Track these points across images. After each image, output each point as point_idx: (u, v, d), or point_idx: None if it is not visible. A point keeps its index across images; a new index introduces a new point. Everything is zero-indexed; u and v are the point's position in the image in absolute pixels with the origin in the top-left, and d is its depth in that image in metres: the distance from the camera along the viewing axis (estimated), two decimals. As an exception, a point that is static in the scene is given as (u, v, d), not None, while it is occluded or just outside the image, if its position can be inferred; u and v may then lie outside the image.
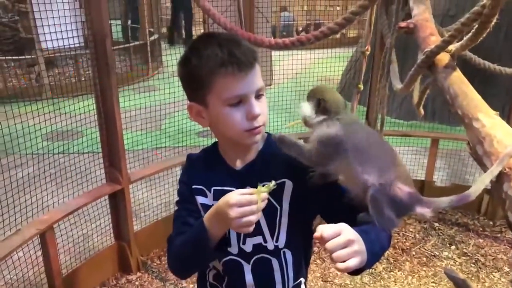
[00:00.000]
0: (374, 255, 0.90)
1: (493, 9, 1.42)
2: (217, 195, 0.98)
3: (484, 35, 1.61)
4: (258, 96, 1.03)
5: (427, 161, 3.41)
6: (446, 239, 3.08)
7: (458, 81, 1.55)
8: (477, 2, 2.39)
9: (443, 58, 1.71)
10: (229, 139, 1.07)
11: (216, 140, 1.16)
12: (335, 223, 1.00)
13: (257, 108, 1.01)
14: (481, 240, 3.08)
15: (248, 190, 0.94)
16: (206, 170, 1.15)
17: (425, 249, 2.96)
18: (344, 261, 0.82)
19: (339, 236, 0.83)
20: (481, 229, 3.21)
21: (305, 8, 12.37)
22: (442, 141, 3.51)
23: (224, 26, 1.80)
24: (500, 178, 1.18)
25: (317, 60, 4.10)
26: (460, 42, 1.71)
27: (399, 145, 3.76)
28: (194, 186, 1.12)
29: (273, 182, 0.97)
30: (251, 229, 0.94)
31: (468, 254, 2.92)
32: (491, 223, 3.27)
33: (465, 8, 5.37)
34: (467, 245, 3.03)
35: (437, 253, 2.92)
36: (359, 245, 0.84)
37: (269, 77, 3.58)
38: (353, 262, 0.82)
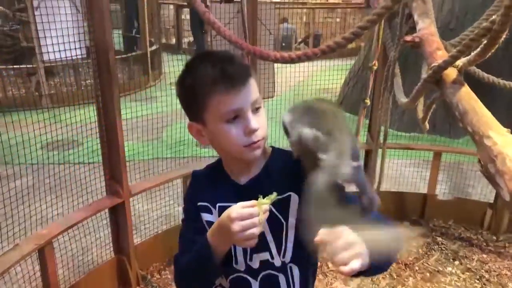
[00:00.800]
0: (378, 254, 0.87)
1: (503, 25, 1.40)
2: (222, 212, 0.97)
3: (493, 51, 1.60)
4: (255, 110, 1.03)
5: (430, 174, 3.38)
6: (449, 254, 3.04)
7: (467, 97, 1.53)
8: (477, 15, 2.39)
9: (451, 73, 1.69)
10: (230, 155, 1.07)
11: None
12: None
13: (254, 122, 1.01)
14: (484, 255, 3.05)
15: (249, 202, 0.94)
16: (211, 187, 1.14)
17: (429, 264, 2.93)
18: (346, 264, 0.80)
19: (339, 239, 0.81)
20: (484, 244, 3.17)
21: (304, 19, 12.44)
22: (444, 154, 3.49)
23: (229, 39, 1.77)
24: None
25: (316, 72, 4.10)
26: (467, 57, 1.70)
27: (400, 158, 3.74)
28: (199, 204, 1.12)
29: (275, 194, 0.96)
30: (254, 242, 0.93)
31: (472, 269, 2.88)
32: (494, 237, 3.23)
33: (465, 21, 5.39)
34: (470, 260, 2.99)
35: (441, 269, 2.88)
36: (360, 246, 0.82)
37: (271, 89, 3.57)
38: (355, 264, 0.80)
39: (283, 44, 11.00)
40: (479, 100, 1.56)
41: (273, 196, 0.96)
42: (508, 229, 3.25)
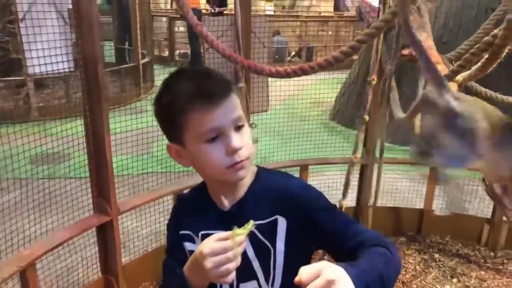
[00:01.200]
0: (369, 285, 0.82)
1: (505, 39, 1.36)
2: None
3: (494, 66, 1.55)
4: (238, 128, 0.96)
5: (426, 189, 3.32)
6: (447, 271, 2.97)
7: (469, 114, 1.48)
8: (471, 29, 2.35)
9: (451, 88, 1.64)
10: (213, 177, 1.01)
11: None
12: (338, 255, 0.98)
13: (236, 141, 0.94)
14: (483, 272, 2.98)
15: (223, 234, 0.86)
16: (194, 213, 1.07)
17: (426, 282, 2.85)
18: None
19: (318, 278, 0.75)
20: (482, 260, 3.11)
21: (297, 32, 12.49)
22: (440, 168, 3.43)
23: (222, 53, 1.72)
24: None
25: (310, 84, 4.05)
26: (468, 72, 1.65)
27: (395, 172, 3.68)
28: (181, 232, 1.06)
29: (251, 223, 0.89)
30: (230, 279, 0.86)
31: (471, 287, 2.82)
32: (492, 254, 3.17)
33: (459, 35, 5.41)
34: (469, 277, 2.92)
35: (439, 287, 2.81)
36: (343, 284, 0.76)
37: (265, 103, 3.52)
38: None
39: (276, 57, 11.00)
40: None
41: (250, 225, 0.89)
42: (506, 245, 3.20)
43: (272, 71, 1.60)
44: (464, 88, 1.76)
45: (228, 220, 0.98)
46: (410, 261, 3.07)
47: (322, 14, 14.01)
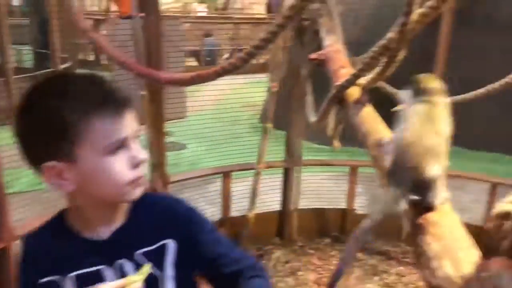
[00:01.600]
0: None
1: (399, 43, 1.36)
2: (82, 283, 0.78)
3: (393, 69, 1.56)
4: (135, 140, 0.86)
5: (348, 189, 3.38)
6: (369, 270, 3.03)
7: (369, 119, 1.48)
8: (387, 30, 2.39)
9: (354, 92, 1.64)
10: (103, 198, 0.85)
11: (61, 209, 0.91)
12: (216, 280, 0.98)
13: (143, 152, 0.85)
14: (402, 268, 3.07)
15: (116, 283, 0.76)
16: (55, 252, 0.88)
17: (349, 283, 2.89)
18: None
19: None
20: (401, 255, 3.21)
21: (230, 34, 12.43)
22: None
23: (116, 60, 1.60)
24: (414, 228, 1.09)
25: (239, 86, 3.98)
26: (370, 75, 1.65)
27: (319, 172, 3.71)
28: (41, 281, 0.86)
29: (148, 266, 0.81)
30: None
31: (390, 284, 2.89)
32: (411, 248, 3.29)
33: (375, 36, 5.60)
34: (389, 274, 3.00)
35: (361, 286, 2.86)
36: None
37: (182, 110, 3.40)
38: None
39: (208, 59, 10.85)
40: (381, 121, 1.51)
41: (146, 269, 0.81)
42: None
43: (167, 78, 1.51)
44: (368, 91, 1.76)
45: (107, 251, 0.86)
46: (334, 262, 3.09)
47: (255, 16, 14.08)
